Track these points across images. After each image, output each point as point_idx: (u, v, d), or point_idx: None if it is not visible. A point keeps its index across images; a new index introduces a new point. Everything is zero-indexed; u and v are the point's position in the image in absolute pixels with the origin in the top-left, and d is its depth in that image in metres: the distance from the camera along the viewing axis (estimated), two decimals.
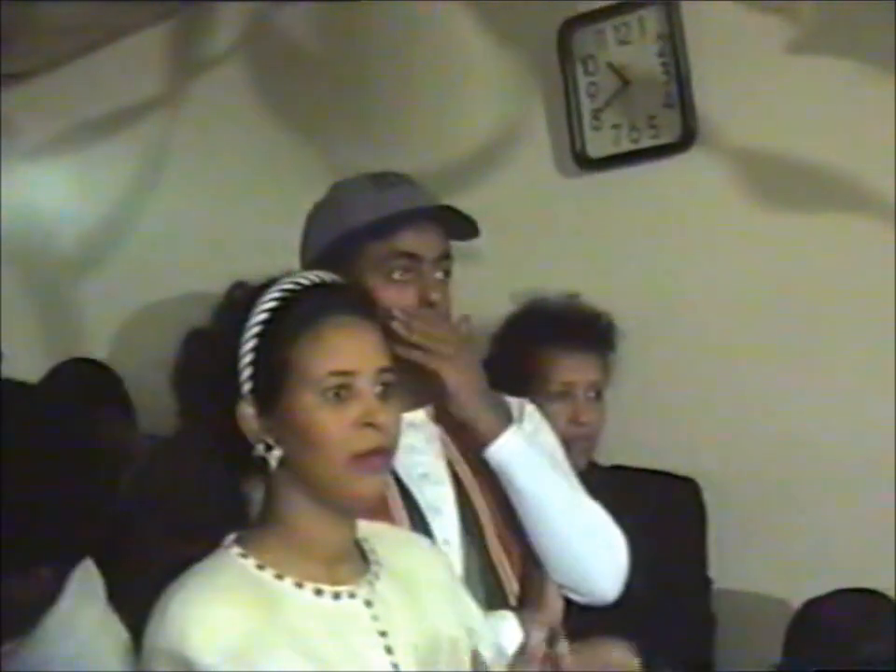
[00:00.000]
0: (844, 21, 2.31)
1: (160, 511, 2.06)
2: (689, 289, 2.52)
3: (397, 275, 1.74)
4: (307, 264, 1.75)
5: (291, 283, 1.45)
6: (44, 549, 1.41)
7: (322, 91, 3.07)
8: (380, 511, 1.58)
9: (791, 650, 1.97)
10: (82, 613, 1.47)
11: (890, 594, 1.99)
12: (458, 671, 1.45)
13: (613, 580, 1.80)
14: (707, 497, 2.41)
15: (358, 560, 1.47)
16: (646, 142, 2.56)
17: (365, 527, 1.50)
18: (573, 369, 2.30)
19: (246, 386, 1.42)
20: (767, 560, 2.41)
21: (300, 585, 1.40)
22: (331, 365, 1.40)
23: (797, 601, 2.06)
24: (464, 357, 1.76)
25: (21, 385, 1.54)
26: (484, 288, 2.48)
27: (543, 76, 2.70)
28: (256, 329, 1.42)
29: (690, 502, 2.41)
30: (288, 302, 1.43)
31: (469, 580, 1.69)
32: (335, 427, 1.39)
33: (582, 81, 2.63)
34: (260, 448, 1.42)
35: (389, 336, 1.54)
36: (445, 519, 1.74)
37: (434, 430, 1.80)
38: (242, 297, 1.48)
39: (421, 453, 1.77)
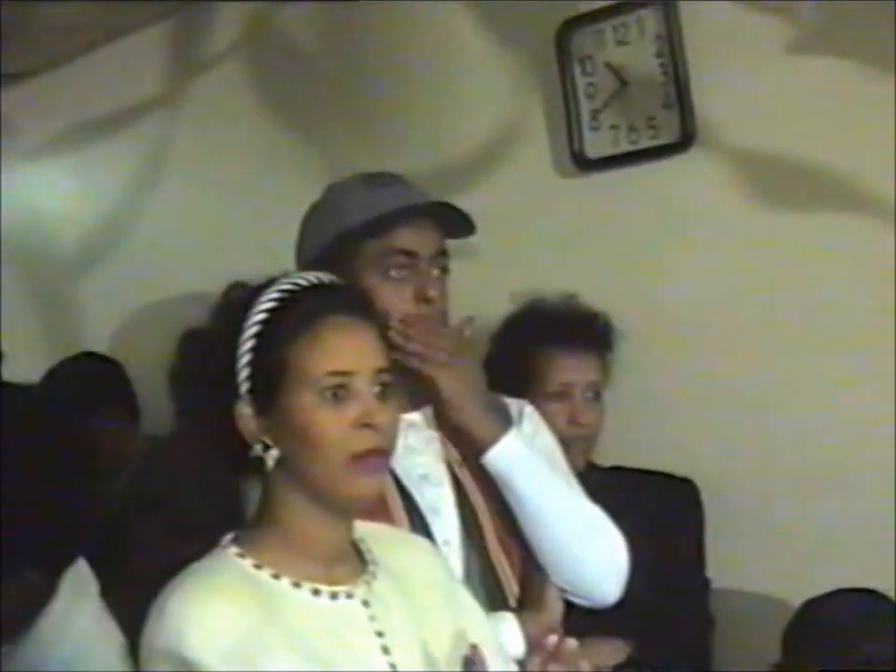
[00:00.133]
0: (843, 21, 2.30)
1: (157, 511, 2.06)
2: (687, 290, 2.51)
3: (394, 273, 1.74)
4: (304, 265, 1.76)
5: (289, 283, 1.45)
6: (30, 552, 1.40)
7: (321, 90, 3.07)
8: (379, 512, 1.58)
9: (790, 650, 1.97)
10: (76, 614, 1.47)
11: (890, 594, 1.98)
12: (457, 671, 1.44)
13: (614, 582, 1.80)
14: (706, 497, 2.41)
15: (356, 560, 1.47)
16: (644, 142, 2.56)
17: (362, 528, 1.50)
18: (571, 369, 2.30)
19: (244, 386, 1.42)
20: (765, 560, 2.41)
21: (297, 585, 1.40)
22: (329, 365, 1.40)
23: (796, 601, 2.06)
24: (460, 364, 1.76)
25: (12, 388, 1.54)
26: (483, 289, 2.48)
27: (542, 76, 2.70)
28: (254, 330, 1.43)
29: (688, 503, 2.41)
30: (287, 303, 1.44)
31: (469, 581, 1.69)
32: (333, 427, 1.39)
33: (581, 82, 2.63)
34: (258, 448, 1.42)
35: (386, 342, 1.54)
36: (445, 520, 1.74)
37: (434, 431, 1.80)
38: (240, 297, 1.48)
39: (421, 454, 1.77)
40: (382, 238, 1.74)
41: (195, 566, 1.41)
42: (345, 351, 1.41)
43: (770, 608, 2.31)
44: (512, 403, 1.90)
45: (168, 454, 2.23)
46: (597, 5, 2.60)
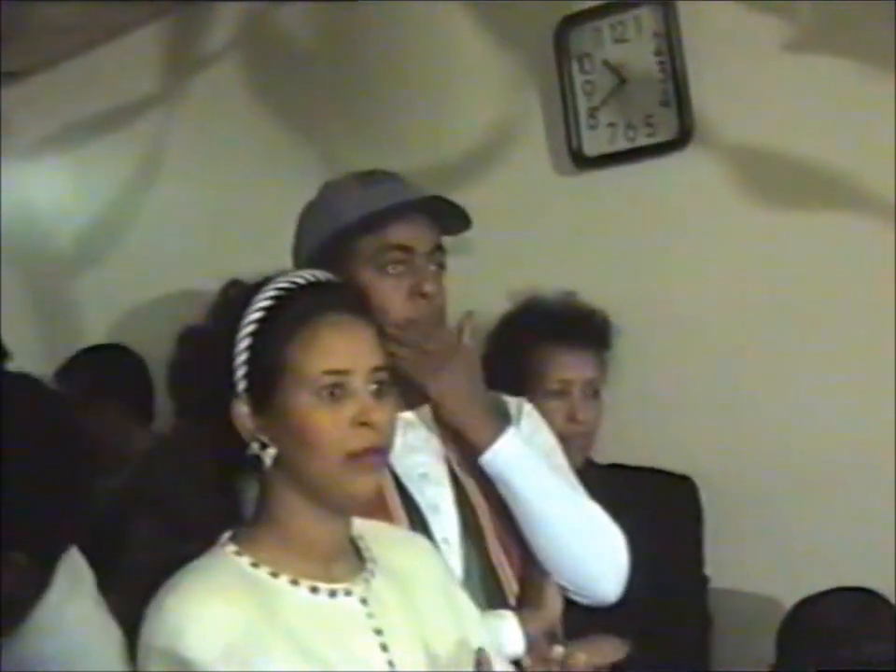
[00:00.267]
0: (842, 20, 2.30)
1: (155, 509, 2.06)
2: (685, 288, 2.52)
3: (390, 269, 1.74)
4: (300, 264, 1.76)
5: (286, 282, 1.45)
6: (19, 534, 1.39)
7: (319, 89, 3.07)
8: (379, 511, 1.59)
9: (785, 649, 1.96)
10: (71, 607, 1.47)
11: (889, 594, 1.98)
12: (455, 670, 1.44)
13: (614, 580, 1.80)
14: (704, 495, 2.41)
15: (354, 558, 1.48)
16: (642, 140, 2.56)
17: (360, 525, 1.50)
18: (570, 366, 2.30)
19: (241, 385, 1.43)
20: (764, 559, 2.41)
21: (295, 583, 1.40)
22: (326, 364, 1.40)
23: (793, 600, 2.05)
24: (452, 369, 1.76)
25: (12, 375, 1.54)
26: (480, 287, 2.48)
27: (540, 74, 2.70)
28: (251, 328, 1.43)
29: (686, 501, 2.41)
30: (283, 301, 1.44)
31: (468, 580, 1.70)
32: (330, 425, 1.39)
33: (579, 79, 2.63)
34: (255, 446, 1.42)
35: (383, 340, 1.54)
36: (444, 519, 1.74)
37: (433, 430, 1.80)
38: (237, 295, 1.48)
39: (420, 452, 1.77)
40: (377, 234, 1.74)
41: (193, 564, 1.41)
42: (342, 350, 1.41)
43: (769, 607, 2.31)
44: (512, 401, 1.90)
45: (165, 452, 2.23)
46: (595, 3, 2.60)
